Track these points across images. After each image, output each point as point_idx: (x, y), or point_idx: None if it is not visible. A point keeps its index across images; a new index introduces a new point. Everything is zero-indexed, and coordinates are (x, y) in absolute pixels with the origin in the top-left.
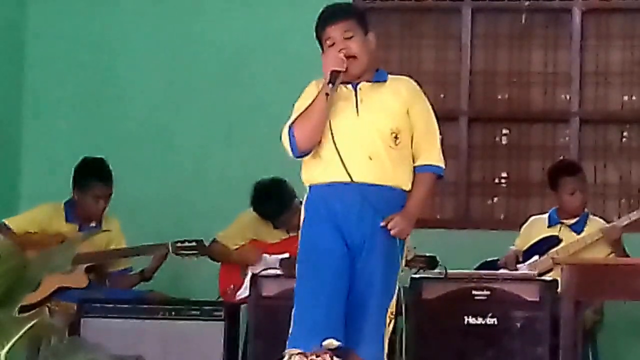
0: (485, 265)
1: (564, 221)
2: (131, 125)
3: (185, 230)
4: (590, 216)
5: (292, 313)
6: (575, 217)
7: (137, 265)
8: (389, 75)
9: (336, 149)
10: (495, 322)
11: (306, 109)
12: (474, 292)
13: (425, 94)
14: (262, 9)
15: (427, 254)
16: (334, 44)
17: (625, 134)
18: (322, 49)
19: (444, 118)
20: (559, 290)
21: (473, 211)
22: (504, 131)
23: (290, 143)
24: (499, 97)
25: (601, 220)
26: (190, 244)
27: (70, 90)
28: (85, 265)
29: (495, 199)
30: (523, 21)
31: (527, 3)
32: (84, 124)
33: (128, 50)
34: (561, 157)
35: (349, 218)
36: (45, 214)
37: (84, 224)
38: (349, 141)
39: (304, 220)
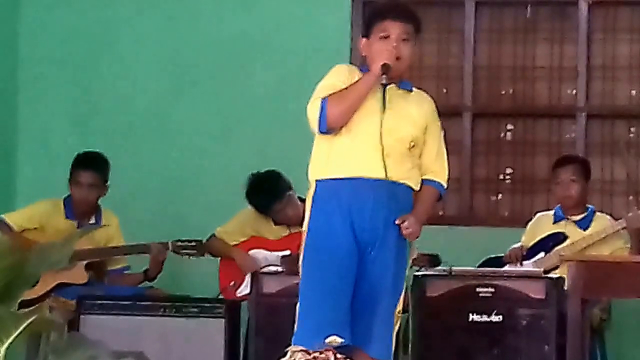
0: (490, 262)
1: (570, 217)
2: (129, 121)
3: (184, 226)
4: (597, 213)
5: (297, 309)
6: (581, 212)
7: (137, 264)
8: (414, 88)
9: (355, 144)
10: (500, 320)
11: (347, 88)
12: (478, 289)
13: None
14: (261, 3)
15: (430, 253)
16: (388, 37)
17: (632, 129)
18: (365, 35)
19: (447, 114)
20: (565, 287)
21: (477, 208)
22: (509, 127)
23: (320, 116)
24: (504, 92)
25: (607, 216)
26: (190, 244)
27: (67, 86)
28: (84, 262)
29: (500, 196)
30: (528, 14)
31: None
32: (80, 119)
33: (125, 45)
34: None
35: (363, 213)
36: (44, 210)
37: (83, 220)
38: (369, 139)
39: (311, 214)
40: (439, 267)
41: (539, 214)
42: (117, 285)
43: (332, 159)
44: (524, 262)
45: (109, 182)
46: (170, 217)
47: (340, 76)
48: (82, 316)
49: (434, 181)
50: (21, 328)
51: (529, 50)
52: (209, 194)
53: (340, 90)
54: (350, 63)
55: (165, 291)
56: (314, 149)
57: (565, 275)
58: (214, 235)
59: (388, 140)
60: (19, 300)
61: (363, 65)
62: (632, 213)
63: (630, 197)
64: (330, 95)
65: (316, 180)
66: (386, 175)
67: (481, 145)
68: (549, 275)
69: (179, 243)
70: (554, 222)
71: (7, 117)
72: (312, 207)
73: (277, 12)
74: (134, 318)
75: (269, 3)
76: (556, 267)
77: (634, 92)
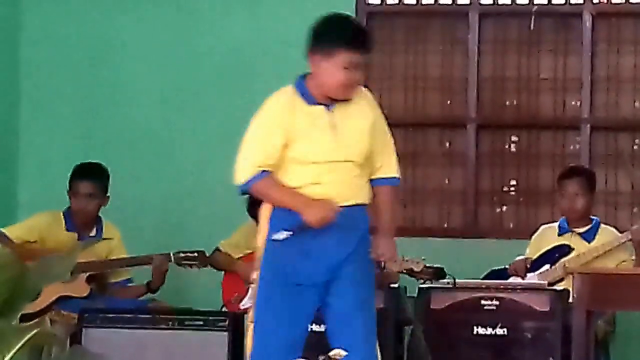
0: (494, 274)
1: (575, 229)
2: (130, 132)
3: (186, 238)
4: (602, 225)
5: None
6: (586, 224)
7: (139, 276)
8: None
9: (309, 173)
10: (505, 333)
11: (280, 191)
12: (483, 302)
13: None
14: (263, 13)
15: (435, 265)
16: (349, 69)
17: (637, 141)
18: (321, 52)
19: (451, 125)
20: (570, 300)
21: (481, 220)
22: (513, 138)
23: (246, 183)
24: (508, 103)
25: (612, 228)
26: (191, 255)
27: (68, 96)
28: (86, 275)
29: (504, 208)
30: (532, 26)
31: (535, 7)
32: (82, 130)
33: (126, 55)
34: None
35: (324, 239)
36: (44, 222)
37: (84, 232)
38: (325, 166)
39: (268, 235)
40: (444, 280)
41: (543, 226)
42: (119, 298)
43: (291, 183)
44: (529, 275)
45: (109, 193)
46: (172, 229)
47: (270, 120)
48: (84, 329)
49: (386, 178)
50: (22, 342)
51: (533, 62)
52: (210, 206)
53: (272, 185)
54: None
55: (168, 304)
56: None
57: (570, 288)
58: (218, 249)
59: (341, 164)
60: (20, 314)
61: (301, 82)
62: (636, 225)
63: (635, 209)
64: (263, 180)
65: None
66: (342, 199)
67: (485, 156)
68: (554, 287)
69: (181, 254)
70: (559, 234)
71: (9, 129)
72: (269, 227)
73: (279, 22)
74: (137, 331)
75: (271, 13)
76: (561, 280)
77: (637, 103)
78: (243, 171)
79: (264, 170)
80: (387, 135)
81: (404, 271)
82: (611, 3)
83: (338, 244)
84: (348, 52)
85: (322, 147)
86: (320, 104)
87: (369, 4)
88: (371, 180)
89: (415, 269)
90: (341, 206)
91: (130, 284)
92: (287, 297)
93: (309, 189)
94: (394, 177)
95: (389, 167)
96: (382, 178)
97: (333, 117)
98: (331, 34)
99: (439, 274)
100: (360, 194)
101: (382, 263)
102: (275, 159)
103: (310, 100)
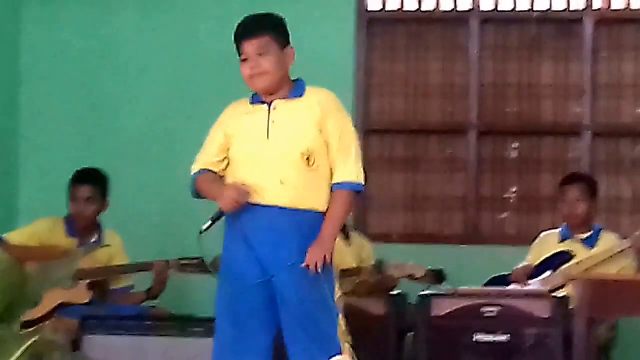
0: (495, 281)
1: (576, 236)
2: (131, 139)
3: (187, 245)
4: (603, 231)
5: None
6: (587, 230)
7: (140, 283)
8: (308, 88)
9: (248, 172)
10: (506, 340)
11: (208, 188)
12: (483, 308)
13: (342, 106)
14: None
15: (433, 268)
16: (246, 60)
17: (638, 147)
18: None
19: (452, 131)
20: (571, 306)
21: (483, 226)
22: (514, 145)
23: (192, 187)
24: (509, 110)
25: (614, 235)
26: (193, 261)
27: (68, 104)
28: (87, 281)
29: (506, 214)
30: (533, 32)
31: (536, 14)
32: (82, 137)
33: (127, 62)
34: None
35: (264, 242)
36: (45, 228)
37: (84, 237)
38: (260, 165)
39: (225, 236)
40: (444, 286)
41: (544, 233)
42: (120, 305)
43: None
44: (530, 281)
45: (110, 200)
46: (173, 235)
47: (215, 136)
48: (85, 336)
49: (338, 183)
50: (23, 348)
51: (535, 68)
52: (212, 212)
53: (203, 180)
54: (356, 79)
55: (169, 311)
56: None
57: (571, 295)
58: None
59: (277, 164)
60: (21, 321)
61: (255, 96)
62: (638, 232)
63: (636, 216)
64: (199, 178)
65: None
66: (282, 202)
67: (487, 163)
68: (555, 294)
69: (182, 261)
70: (560, 241)
71: (9, 135)
72: (227, 227)
73: None
74: (138, 338)
75: None
76: (562, 287)
77: (639, 110)
78: (192, 171)
79: (202, 170)
80: (344, 139)
81: (406, 277)
82: (612, 10)
83: (275, 246)
84: (240, 47)
85: (256, 144)
86: (264, 103)
87: (369, 11)
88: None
89: (417, 275)
90: (274, 206)
91: (131, 291)
92: (234, 297)
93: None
94: (347, 182)
95: (342, 172)
96: (336, 182)
97: (273, 114)
98: (234, 37)
99: (439, 276)
100: (299, 197)
101: (383, 268)
102: (215, 160)
103: (254, 100)
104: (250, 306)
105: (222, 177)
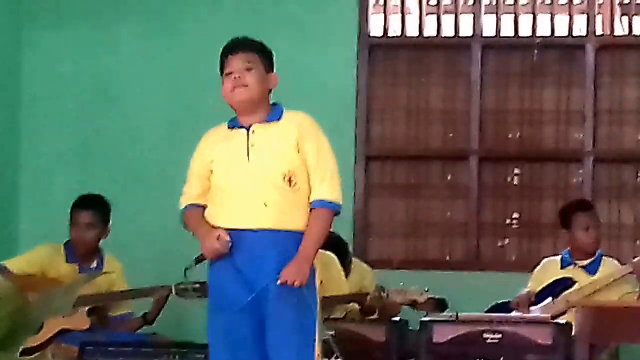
0: (497, 308)
1: (578, 262)
2: (131, 166)
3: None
4: (605, 257)
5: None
6: (589, 257)
7: (138, 309)
8: (285, 112)
9: (231, 196)
10: None
11: (194, 229)
12: (485, 335)
13: (319, 128)
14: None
15: (437, 297)
16: (231, 73)
17: None
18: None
19: (453, 157)
20: (573, 333)
21: (484, 253)
22: (516, 171)
23: (183, 225)
24: (510, 136)
25: (615, 261)
26: (193, 286)
27: (68, 130)
28: (87, 308)
29: (507, 241)
30: (535, 58)
31: (539, 40)
32: (83, 163)
33: (127, 88)
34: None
35: (251, 265)
36: (45, 254)
37: (84, 264)
38: (242, 190)
39: (210, 265)
40: (446, 313)
41: (546, 259)
42: (120, 332)
43: (216, 210)
44: (532, 308)
45: (110, 225)
46: (173, 261)
47: (195, 168)
48: None
49: (315, 201)
50: None
51: (536, 94)
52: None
53: (189, 217)
54: (357, 104)
55: (170, 337)
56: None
57: (573, 321)
58: None
59: (261, 187)
60: (22, 348)
61: (233, 120)
62: (639, 258)
63: (638, 242)
64: (186, 214)
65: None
66: (267, 224)
67: (488, 189)
68: (557, 321)
69: (182, 286)
70: (562, 267)
71: (9, 162)
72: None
73: (282, 51)
74: None
75: (273, 43)
76: (564, 313)
77: None
78: (180, 205)
79: (189, 205)
80: (321, 158)
81: (407, 303)
82: (614, 36)
83: (260, 267)
84: (225, 62)
85: (236, 168)
86: (242, 127)
87: (371, 37)
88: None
89: (419, 301)
90: (259, 230)
91: (131, 318)
92: (227, 326)
93: (224, 213)
94: (322, 200)
95: (319, 191)
96: (314, 201)
97: (253, 138)
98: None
99: (441, 305)
100: (282, 219)
101: (386, 294)
102: (199, 192)
103: (232, 125)
104: (244, 334)
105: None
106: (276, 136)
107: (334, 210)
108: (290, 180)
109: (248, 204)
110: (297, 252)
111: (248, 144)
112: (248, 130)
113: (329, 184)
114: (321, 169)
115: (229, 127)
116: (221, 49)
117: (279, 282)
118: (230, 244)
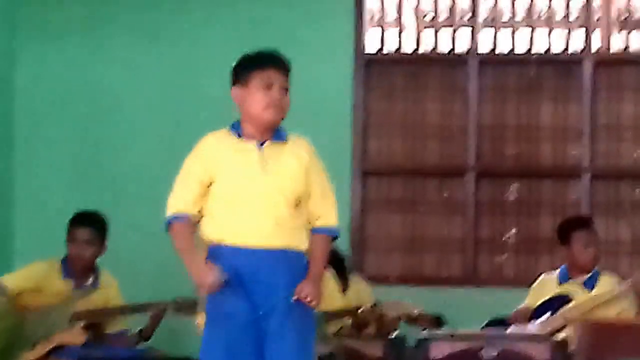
0: (494, 323)
1: (576, 278)
2: (127, 178)
3: (184, 287)
4: (602, 273)
5: None
6: (586, 273)
7: (134, 325)
8: (288, 134)
9: (240, 211)
10: None
11: (183, 254)
12: (483, 351)
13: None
14: None
15: (433, 313)
16: (271, 85)
17: (638, 189)
18: (239, 82)
19: (450, 173)
20: (570, 349)
21: (481, 268)
22: (513, 187)
23: (165, 223)
24: (507, 151)
25: (613, 277)
26: (189, 302)
27: (64, 142)
28: (83, 323)
29: (504, 256)
30: (532, 73)
31: (535, 55)
32: (78, 177)
33: (123, 100)
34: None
35: (258, 282)
36: (41, 270)
37: (80, 280)
38: (252, 205)
39: None
40: (443, 329)
41: (543, 275)
42: (115, 347)
43: (223, 225)
44: (529, 324)
45: (107, 242)
46: (169, 276)
47: (194, 176)
48: None
49: (323, 228)
50: None
51: (533, 110)
52: None
53: (179, 233)
54: (353, 120)
55: (166, 352)
56: (205, 211)
57: (570, 337)
58: None
59: (273, 204)
60: None
61: (236, 123)
62: (637, 274)
63: (635, 258)
64: (175, 225)
65: (211, 244)
66: (277, 242)
67: (485, 205)
68: (554, 337)
69: (180, 302)
70: (559, 283)
71: (4, 175)
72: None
73: None
74: None
75: None
76: (561, 329)
77: (639, 151)
78: (167, 209)
79: (178, 216)
80: (326, 186)
81: (402, 316)
82: (611, 51)
83: (266, 286)
84: (262, 71)
85: (250, 181)
86: (251, 140)
87: (367, 53)
88: (311, 230)
89: (413, 313)
90: (270, 248)
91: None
92: (229, 340)
93: (231, 227)
94: (331, 228)
95: (328, 217)
96: (321, 227)
97: (264, 154)
98: (245, 62)
99: (438, 321)
100: (291, 238)
101: (379, 307)
102: (193, 203)
103: (237, 133)
104: (245, 349)
105: (198, 221)
106: (289, 157)
107: (336, 236)
108: (299, 202)
109: (258, 220)
110: (309, 273)
111: (262, 158)
112: (260, 146)
113: (335, 212)
114: (328, 197)
115: (239, 136)
116: (255, 53)
117: (294, 298)
118: (224, 280)
